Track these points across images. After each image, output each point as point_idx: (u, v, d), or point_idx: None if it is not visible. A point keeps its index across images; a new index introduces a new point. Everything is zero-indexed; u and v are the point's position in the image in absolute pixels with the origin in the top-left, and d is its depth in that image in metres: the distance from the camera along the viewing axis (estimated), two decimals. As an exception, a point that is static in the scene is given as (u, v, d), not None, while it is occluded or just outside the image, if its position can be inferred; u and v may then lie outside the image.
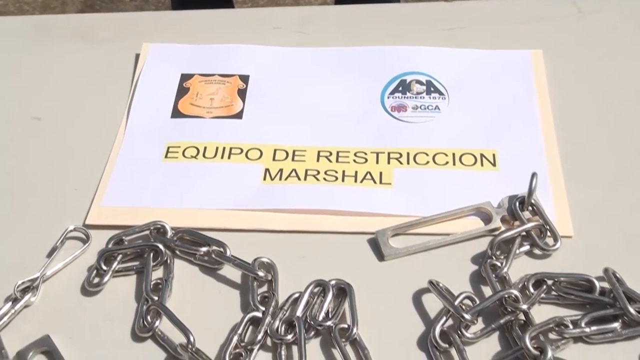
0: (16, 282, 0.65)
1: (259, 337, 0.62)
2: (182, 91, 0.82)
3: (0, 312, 0.64)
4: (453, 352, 0.61)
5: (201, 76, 0.83)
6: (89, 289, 0.66)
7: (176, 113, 0.80)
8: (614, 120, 0.78)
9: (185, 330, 0.62)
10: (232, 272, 0.67)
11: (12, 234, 0.71)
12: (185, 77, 0.83)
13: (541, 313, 0.63)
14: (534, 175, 0.68)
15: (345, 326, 0.62)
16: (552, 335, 0.61)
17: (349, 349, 0.61)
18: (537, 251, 0.67)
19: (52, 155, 0.78)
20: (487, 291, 0.65)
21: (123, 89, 0.83)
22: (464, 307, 0.63)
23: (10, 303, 0.65)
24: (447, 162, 0.74)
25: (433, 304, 0.64)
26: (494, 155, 0.74)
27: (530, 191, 0.68)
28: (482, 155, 0.74)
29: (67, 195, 0.74)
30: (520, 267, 0.66)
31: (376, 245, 0.68)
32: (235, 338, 0.62)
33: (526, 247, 0.68)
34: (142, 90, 0.82)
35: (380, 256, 0.68)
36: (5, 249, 0.70)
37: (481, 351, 0.61)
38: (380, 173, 0.73)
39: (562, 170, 0.73)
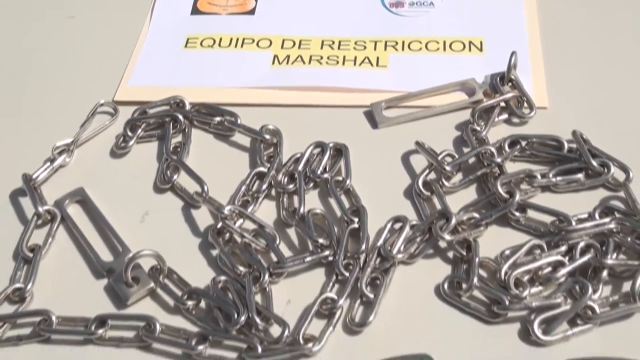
0: (54, 144, 0.76)
1: (264, 187, 0.71)
2: (200, -7, 0.92)
3: (40, 170, 0.74)
4: (435, 200, 0.70)
5: (218, -21, 0.93)
6: (117, 151, 0.76)
7: (195, 11, 0.89)
8: (592, 11, 0.86)
9: (200, 181, 0.71)
10: (242, 139, 0.77)
11: (51, 108, 0.82)
12: (204, -19, 0.93)
13: (515, 169, 0.71)
14: (513, 53, 0.77)
15: (340, 178, 0.71)
16: (523, 186, 0.70)
17: (343, 198, 0.70)
18: (514, 119, 0.76)
19: (86, 46, 0.88)
20: (468, 153, 0.74)
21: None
22: (445, 161, 0.72)
23: (48, 163, 0.74)
24: (438, 49, 0.82)
25: (419, 163, 0.73)
26: (481, 42, 0.83)
27: (510, 67, 0.77)
28: (470, 42, 0.83)
29: (98, 78, 0.84)
30: (498, 133, 0.74)
31: (371, 116, 0.77)
32: (243, 188, 0.71)
33: (504, 116, 0.76)
34: (164, -9, 0.92)
35: (374, 125, 0.77)
36: (45, 120, 0.80)
37: (459, 199, 0.70)
38: (377, 58, 0.82)
39: (541, 53, 0.81)
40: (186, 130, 0.77)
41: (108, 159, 0.76)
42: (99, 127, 0.78)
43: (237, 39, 0.85)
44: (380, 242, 0.66)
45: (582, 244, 0.64)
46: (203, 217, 0.71)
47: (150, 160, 0.76)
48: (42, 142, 0.76)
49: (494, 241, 0.67)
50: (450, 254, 0.67)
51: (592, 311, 0.61)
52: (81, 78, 0.84)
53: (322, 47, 0.83)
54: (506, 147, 0.72)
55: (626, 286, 0.63)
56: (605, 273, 0.63)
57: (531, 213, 0.68)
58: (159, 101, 0.79)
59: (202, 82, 0.82)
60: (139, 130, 0.77)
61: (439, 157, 0.71)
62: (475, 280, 0.63)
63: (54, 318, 0.63)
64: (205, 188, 0.71)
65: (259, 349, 0.61)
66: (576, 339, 0.61)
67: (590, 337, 0.61)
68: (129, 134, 0.77)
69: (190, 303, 0.64)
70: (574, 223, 0.65)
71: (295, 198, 0.70)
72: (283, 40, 0.84)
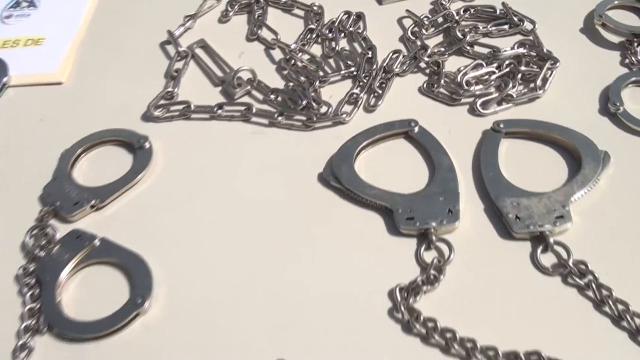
0: (184, 14, 0.96)
1: (313, 36, 0.88)
2: None
3: (177, 29, 0.92)
4: (417, 42, 0.86)
5: None
6: (222, 19, 0.93)
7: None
8: None
9: (274, 32, 0.89)
10: (299, 12, 0.94)
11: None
12: None
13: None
14: (467, -42, 0.97)
15: (360, 31, 0.89)
16: (471, 33, 0.86)
17: (361, 42, 0.88)
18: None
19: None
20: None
21: None
22: (424, 19, 0.91)
23: (181, 26, 0.93)
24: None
25: (408, 24, 0.90)
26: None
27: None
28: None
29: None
30: (456, 6, 0.92)
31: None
32: (301, 36, 0.88)
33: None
34: None
35: (380, 3, 0.95)
36: (179, 2, 0.99)
37: (433, 42, 0.87)
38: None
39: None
40: (264, 7, 0.95)
41: (216, 24, 0.94)
42: (210, 6, 0.97)
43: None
44: (385, 63, 0.85)
45: (507, 62, 0.82)
46: (277, 54, 0.89)
47: (243, 24, 0.93)
48: (177, 14, 0.95)
49: (454, 63, 0.83)
50: (427, 71, 0.85)
51: (511, 97, 0.78)
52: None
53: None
54: (461, 12, 0.90)
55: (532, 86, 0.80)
56: (519, 76, 0.80)
57: (477, 48, 0.85)
58: (246, -9, 0.98)
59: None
60: (236, 7, 0.95)
61: (421, 17, 0.91)
62: (442, 81, 0.82)
63: (192, 105, 0.82)
64: (278, 36, 0.89)
65: (314, 118, 0.79)
66: (502, 112, 0.78)
67: (510, 112, 0.78)
68: (229, 9, 0.95)
69: (272, 96, 0.82)
70: (501, 51, 0.84)
71: (333, 42, 0.89)
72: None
